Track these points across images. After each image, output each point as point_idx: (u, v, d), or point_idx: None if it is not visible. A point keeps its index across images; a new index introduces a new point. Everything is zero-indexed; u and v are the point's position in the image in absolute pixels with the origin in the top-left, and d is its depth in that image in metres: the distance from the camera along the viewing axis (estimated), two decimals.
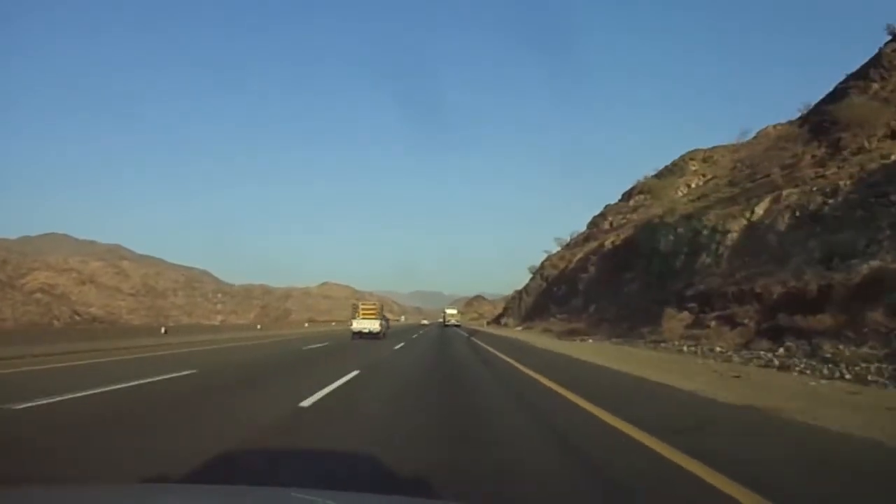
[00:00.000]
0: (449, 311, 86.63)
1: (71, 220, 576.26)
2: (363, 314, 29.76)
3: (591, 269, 44.46)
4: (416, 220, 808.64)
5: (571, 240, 70.65)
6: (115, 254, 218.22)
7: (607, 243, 45.21)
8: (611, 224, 61.28)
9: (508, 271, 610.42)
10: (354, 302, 34.89)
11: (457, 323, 77.19)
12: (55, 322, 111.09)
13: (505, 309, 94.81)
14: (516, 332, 45.91)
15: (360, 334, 28.34)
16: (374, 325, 28.90)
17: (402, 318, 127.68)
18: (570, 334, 33.53)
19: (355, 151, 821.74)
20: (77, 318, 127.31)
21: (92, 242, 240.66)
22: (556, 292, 53.23)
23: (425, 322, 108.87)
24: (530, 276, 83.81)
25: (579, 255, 55.52)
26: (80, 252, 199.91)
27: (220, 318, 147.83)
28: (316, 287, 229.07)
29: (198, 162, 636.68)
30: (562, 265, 62.15)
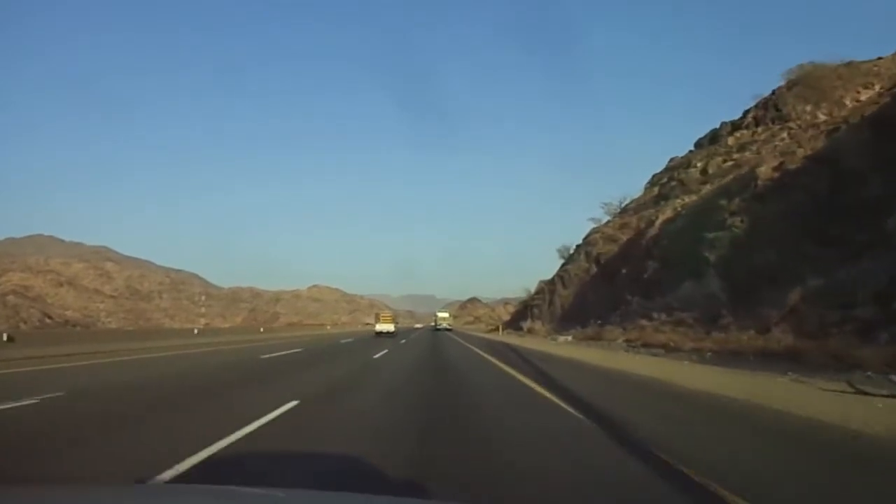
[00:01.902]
0: (440, 315, 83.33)
1: (59, 221, 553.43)
2: (383, 320, 49.21)
3: (735, 220, 22.23)
4: (409, 221, 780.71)
5: (631, 205, 48.31)
6: (101, 255, 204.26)
7: (762, 171, 23.00)
8: (703, 171, 39.40)
9: (504, 273, 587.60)
10: (377, 312, 59.20)
11: (448, 327, 74.09)
12: (22, 325, 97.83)
13: (526, 307, 70.85)
14: (585, 352, 22.59)
15: (380, 333, 43.96)
16: (390, 327, 47.25)
17: None
18: (797, 361, 11.27)
19: (347, 153, 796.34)
20: (48, 321, 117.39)
21: (78, 244, 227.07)
22: (640, 275, 30.86)
23: (418, 326, 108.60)
24: (561, 261, 61.44)
25: (668, 215, 33.21)
26: (66, 254, 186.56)
27: (203, 321, 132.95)
28: (305, 290, 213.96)
29: (190, 163, 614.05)
30: (626, 236, 40.01)
